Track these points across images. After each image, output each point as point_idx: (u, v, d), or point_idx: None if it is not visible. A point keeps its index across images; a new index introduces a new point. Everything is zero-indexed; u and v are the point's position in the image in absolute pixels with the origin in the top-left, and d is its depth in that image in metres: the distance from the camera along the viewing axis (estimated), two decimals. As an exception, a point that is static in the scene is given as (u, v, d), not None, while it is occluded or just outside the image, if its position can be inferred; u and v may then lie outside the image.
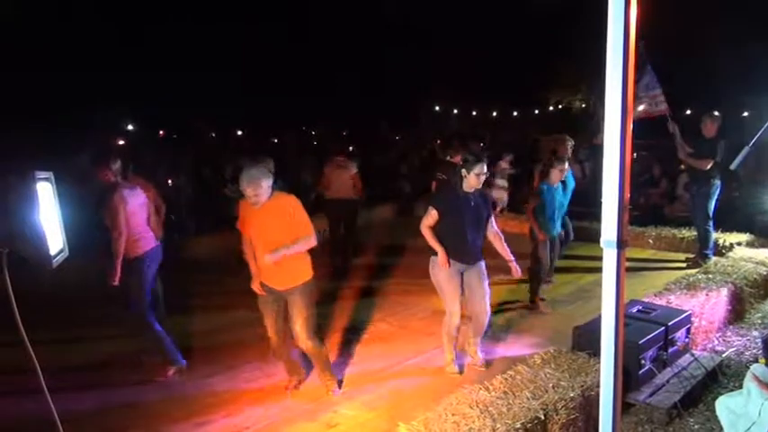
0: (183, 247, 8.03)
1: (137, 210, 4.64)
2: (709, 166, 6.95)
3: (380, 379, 4.56)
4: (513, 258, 4.63)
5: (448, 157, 7.40)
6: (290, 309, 4.10)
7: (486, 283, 4.57)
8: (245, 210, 4.06)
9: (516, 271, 4.61)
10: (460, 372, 4.59)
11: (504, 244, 4.64)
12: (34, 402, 2.15)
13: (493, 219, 4.63)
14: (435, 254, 4.41)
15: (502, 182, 10.30)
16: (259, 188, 3.86)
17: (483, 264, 4.57)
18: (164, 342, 4.65)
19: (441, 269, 4.40)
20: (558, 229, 6.11)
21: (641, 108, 7.26)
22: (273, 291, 4.09)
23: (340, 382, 4.45)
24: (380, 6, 22.07)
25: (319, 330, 5.55)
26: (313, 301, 4.15)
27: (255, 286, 4.12)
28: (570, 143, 6.71)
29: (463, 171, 4.41)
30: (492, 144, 14.98)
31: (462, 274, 4.50)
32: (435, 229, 4.42)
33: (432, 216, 4.41)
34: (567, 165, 5.96)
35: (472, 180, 4.39)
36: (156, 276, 4.87)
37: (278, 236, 3.95)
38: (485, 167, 4.43)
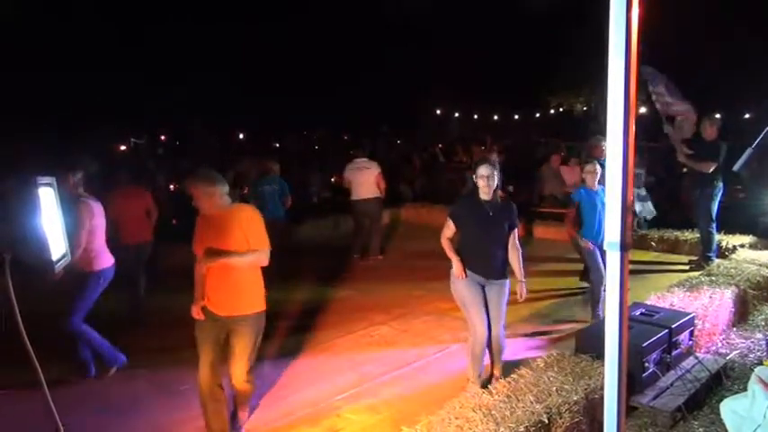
0: (180, 251, 8.01)
1: (100, 223, 4.61)
2: (711, 169, 6.94)
3: (383, 383, 4.54)
4: (524, 280, 4.30)
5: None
6: (232, 341, 3.63)
7: (505, 304, 4.23)
8: (199, 226, 3.66)
9: (522, 294, 4.29)
10: (484, 387, 4.00)
11: (521, 262, 4.31)
12: (35, 404, 2.15)
13: (516, 231, 4.30)
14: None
15: None
16: (205, 194, 3.52)
17: (507, 283, 4.24)
18: (102, 346, 4.66)
19: (458, 280, 4.15)
20: (603, 235, 5.77)
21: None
22: (217, 318, 3.60)
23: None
24: (381, 8, 22.09)
25: (322, 335, 5.57)
26: (260, 337, 3.72)
27: (195, 310, 3.63)
28: (605, 143, 6.45)
29: (474, 176, 4.14)
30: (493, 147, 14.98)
31: (483, 288, 4.17)
32: (454, 240, 4.21)
33: (449, 227, 4.20)
34: (597, 166, 5.67)
35: (480, 183, 4.08)
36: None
37: (229, 248, 3.53)
38: (490, 169, 4.06)
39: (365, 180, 8.00)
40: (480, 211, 4.13)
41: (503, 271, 4.21)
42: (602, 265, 5.56)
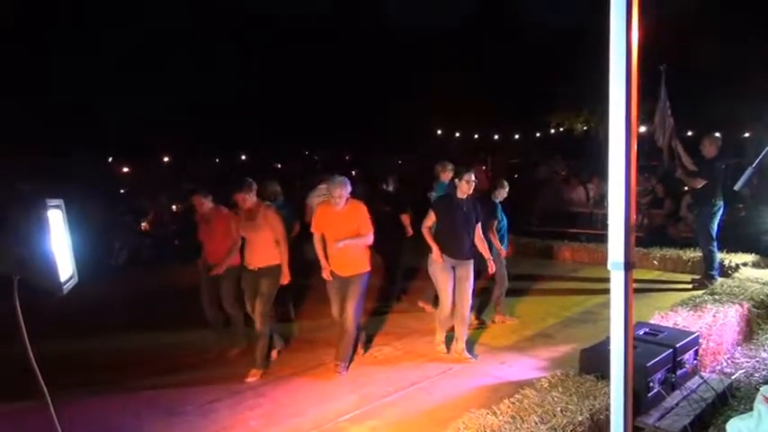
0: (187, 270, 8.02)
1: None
2: (700, 186, 7.10)
3: (387, 404, 4.51)
4: (491, 257, 5.49)
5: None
6: (347, 293, 5.08)
7: (472, 278, 5.33)
8: (322, 214, 5.08)
9: (492, 268, 5.46)
10: (448, 350, 5.42)
11: (485, 246, 5.49)
12: (40, 426, 2.14)
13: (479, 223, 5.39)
14: (431, 252, 5.27)
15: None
16: (342, 191, 4.87)
17: (472, 263, 5.35)
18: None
19: (435, 263, 5.26)
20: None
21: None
22: (339, 278, 5.09)
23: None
24: (382, 30, 22.32)
25: (325, 355, 5.56)
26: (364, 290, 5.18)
27: (326, 274, 5.09)
28: (450, 167, 6.66)
29: (458, 180, 5.27)
30: (494, 166, 15.04)
31: (454, 269, 5.27)
32: (432, 229, 5.29)
33: (430, 218, 5.32)
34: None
35: (465, 186, 5.22)
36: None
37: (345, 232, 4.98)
38: (473, 175, 5.28)
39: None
40: (457, 205, 5.27)
41: (470, 254, 5.31)
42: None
